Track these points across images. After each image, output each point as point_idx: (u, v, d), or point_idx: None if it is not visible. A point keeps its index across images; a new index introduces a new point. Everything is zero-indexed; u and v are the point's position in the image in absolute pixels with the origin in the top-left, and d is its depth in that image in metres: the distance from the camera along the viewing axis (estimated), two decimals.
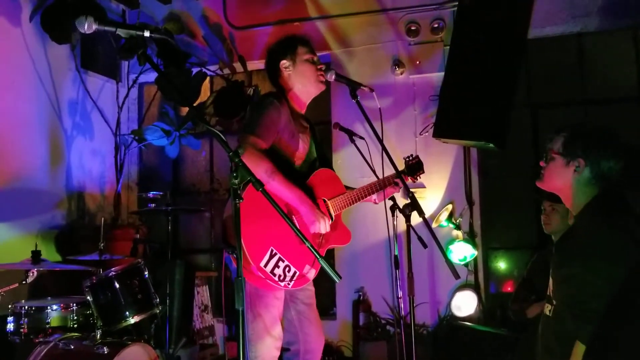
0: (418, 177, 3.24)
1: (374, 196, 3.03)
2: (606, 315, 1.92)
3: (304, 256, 2.70)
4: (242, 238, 2.47)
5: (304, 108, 3.05)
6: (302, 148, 2.91)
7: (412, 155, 3.24)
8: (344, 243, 3.03)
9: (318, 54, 3.08)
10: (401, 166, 3.04)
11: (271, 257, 2.60)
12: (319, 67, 2.98)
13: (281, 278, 2.62)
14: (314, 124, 3.13)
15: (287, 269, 2.65)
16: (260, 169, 2.58)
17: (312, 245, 1.90)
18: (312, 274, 2.78)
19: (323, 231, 2.76)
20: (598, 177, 2.14)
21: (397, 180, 2.96)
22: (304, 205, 2.72)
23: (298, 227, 2.71)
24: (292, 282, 2.67)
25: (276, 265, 2.61)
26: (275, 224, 2.59)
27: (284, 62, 2.97)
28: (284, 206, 2.72)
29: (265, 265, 2.58)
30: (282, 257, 2.63)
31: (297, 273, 2.69)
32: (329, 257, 5.30)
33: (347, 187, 3.08)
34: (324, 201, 2.90)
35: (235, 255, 2.68)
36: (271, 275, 2.59)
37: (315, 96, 3.06)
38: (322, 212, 2.78)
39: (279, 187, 2.65)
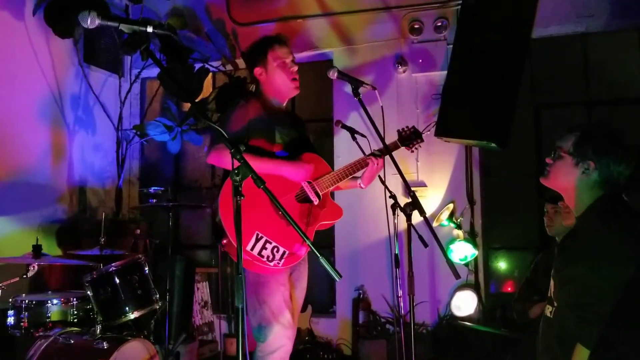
0: (418, 146, 3.14)
1: (359, 181, 3.01)
2: (610, 316, 1.90)
3: (292, 236, 2.73)
4: (226, 228, 2.54)
5: (283, 104, 3.09)
6: (278, 144, 2.93)
7: (407, 126, 3.15)
8: (335, 219, 3.00)
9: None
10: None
11: (257, 241, 2.68)
12: (291, 69, 2.99)
13: (270, 259, 2.69)
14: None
15: (276, 249, 2.71)
16: (226, 158, 2.62)
17: (308, 239, 1.92)
18: (303, 251, 2.81)
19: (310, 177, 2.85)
20: (605, 180, 2.11)
21: (375, 158, 2.93)
22: (284, 164, 2.79)
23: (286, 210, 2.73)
24: (282, 261, 2.72)
25: (263, 248, 2.69)
26: (259, 210, 2.66)
27: (257, 70, 3.02)
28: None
29: (252, 249, 2.66)
30: (268, 239, 2.70)
31: (287, 252, 2.73)
32: (329, 255, 5.30)
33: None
34: (309, 183, 2.90)
35: (222, 246, 2.79)
36: (259, 257, 2.66)
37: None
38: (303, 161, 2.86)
39: (252, 163, 2.65)
